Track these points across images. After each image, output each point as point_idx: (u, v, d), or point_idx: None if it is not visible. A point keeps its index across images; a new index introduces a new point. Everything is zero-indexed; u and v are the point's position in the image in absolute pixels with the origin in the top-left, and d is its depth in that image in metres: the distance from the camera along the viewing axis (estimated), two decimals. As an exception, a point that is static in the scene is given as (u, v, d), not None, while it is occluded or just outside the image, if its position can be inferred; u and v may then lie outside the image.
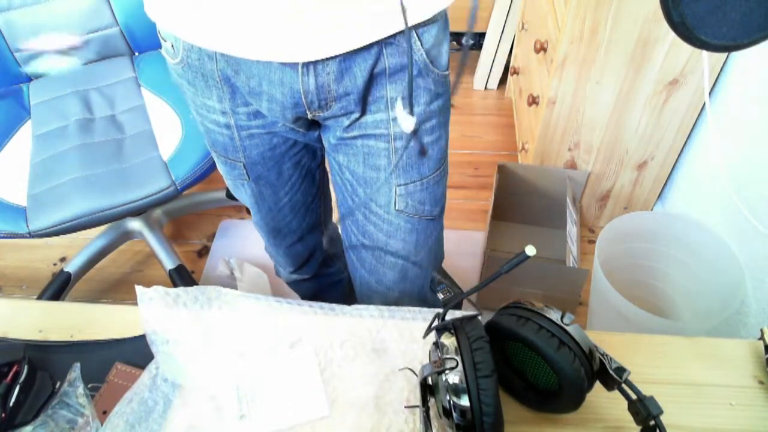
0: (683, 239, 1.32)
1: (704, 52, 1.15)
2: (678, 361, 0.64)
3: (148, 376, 0.61)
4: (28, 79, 1.45)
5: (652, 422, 0.52)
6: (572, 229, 1.49)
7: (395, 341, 0.65)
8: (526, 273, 1.36)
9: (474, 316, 0.55)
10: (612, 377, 0.53)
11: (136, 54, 1.49)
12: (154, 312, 0.65)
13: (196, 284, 1.12)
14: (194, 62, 0.67)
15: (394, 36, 0.61)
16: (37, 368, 0.62)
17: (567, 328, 0.53)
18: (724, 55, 1.28)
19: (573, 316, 0.54)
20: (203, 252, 1.72)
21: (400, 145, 0.70)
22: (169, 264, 1.51)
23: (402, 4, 0.53)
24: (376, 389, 0.61)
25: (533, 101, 1.51)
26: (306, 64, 0.62)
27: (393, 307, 0.68)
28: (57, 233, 1.16)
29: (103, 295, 1.63)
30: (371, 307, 0.68)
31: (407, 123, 0.64)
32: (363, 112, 0.68)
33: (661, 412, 0.51)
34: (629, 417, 0.54)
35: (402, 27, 0.60)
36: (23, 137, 1.32)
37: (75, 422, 0.58)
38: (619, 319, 1.18)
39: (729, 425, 0.58)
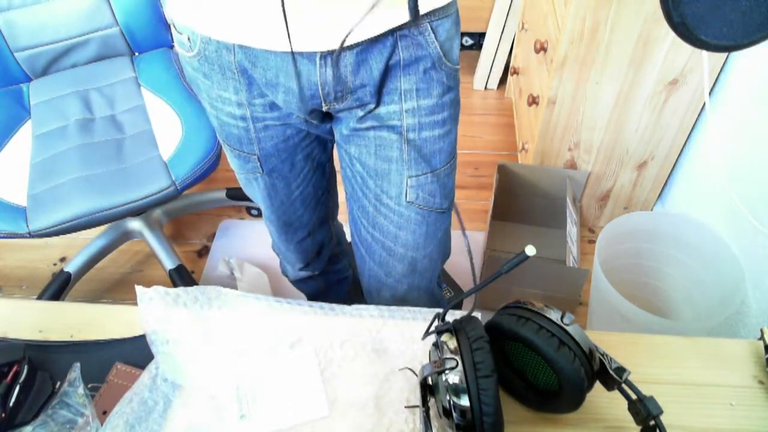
0: (683, 239, 1.32)
1: (704, 52, 1.15)
2: (678, 361, 0.64)
3: (148, 376, 0.61)
4: (28, 79, 1.45)
5: (652, 422, 0.52)
6: (572, 229, 1.48)
7: (395, 341, 0.65)
8: (526, 273, 1.36)
9: (474, 317, 0.55)
10: (612, 377, 0.53)
11: (136, 54, 1.49)
12: (154, 312, 0.65)
13: (196, 284, 1.12)
14: (211, 54, 0.67)
15: (409, 27, 0.62)
16: (37, 368, 0.62)
17: (567, 328, 0.53)
18: (724, 55, 1.28)
19: (573, 316, 0.54)
20: (203, 252, 1.72)
21: (412, 136, 0.71)
22: (169, 264, 1.51)
23: None
24: (376, 389, 0.61)
25: (533, 101, 1.51)
26: (324, 56, 0.62)
27: (393, 307, 0.68)
28: (57, 233, 1.16)
29: (103, 295, 1.63)
30: (371, 307, 0.69)
31: None
32: (377, 104, 0.69)
33: (661, 412, 0.51)
34: (629, 417, 0.54)
35: (421, 12, 0.61)
36: (23, 137, 1.32)
37: (75, 422, 0.58)
38: (619, 319, 1.18)
39: (729, 425, 0.58)
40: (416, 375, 0.62)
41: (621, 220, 1.30)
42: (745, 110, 1.24)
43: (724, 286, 1.22)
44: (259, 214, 1.80)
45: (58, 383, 0.61)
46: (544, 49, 1.44)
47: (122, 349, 0.65)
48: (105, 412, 0.59)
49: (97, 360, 0.64)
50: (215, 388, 0.61)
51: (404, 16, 0.61)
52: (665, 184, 1.59)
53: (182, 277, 1.49)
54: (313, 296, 1.19)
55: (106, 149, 1.26)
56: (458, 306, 0.61)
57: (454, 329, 0.54)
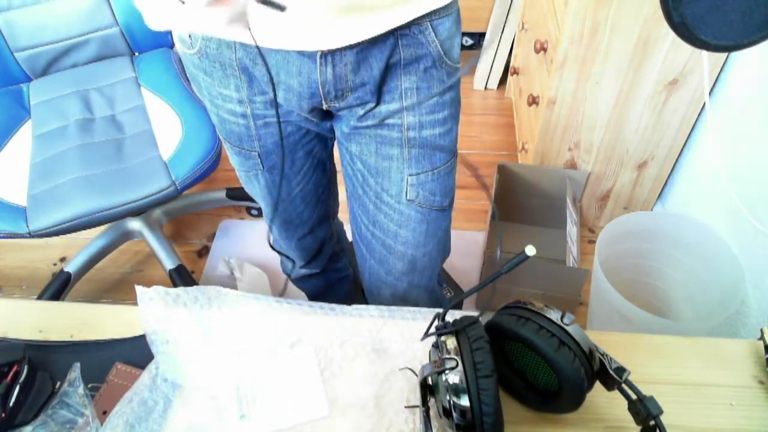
0: (683, 239, 1.32)
1: (704, 52, 1.15)
2: (678, 361, 0.64)
3: (148, 376, 0.61)
4: (28, 79, 1.45)
5: (652, 422, 0.52)
6: (572, 229, 1.48)
7: (395, 341, 0.65)
8: (526, 273, 1.36)
9: (474, 317, 0.55)
10: (612, 377, 0.53)
11: (136, 54, 1.49)
12: (154, 312, 0.65)
13: (196, 284, 1.12)
14: (212, 52, 0.68)
15: (409, 27, 0.62)
16: (37, 368, 0.62)
17: (567, 328, 0.53)
18: (724, 55, 1.28)
19: (573, 316, 0.54)
20: (203, 252, 1.72)
21: (412, 135, 0.71)
22: (169, 264, 1.51)
23: None
24: (376, 389, 0.61)
25: (533, 101, 1.51)
26: (324, 55, 0.63)
27: (393, 307, 0.68)
28: (57, 233, 1.16)
29: (103, 295, 1.63)
30: (371, 307, 0.69)
31: None
32: (378, 102, 0.69)
33: (661, 412, 0.51)
34: (629, 417, 0.54)
35: (416, 15, 0.61)
36: (23, 137, 1.32)
37: (75, 422, 0.58)
38: (619, 319, 1.18)
39: (729, 425, 0.58)
40: (416, 375, 0.62)
41: (621, 220, 1.30)
42: (745, 110, 1.24)
43: (724, 286, 1.22)
44: (259, 214, 1.80)
45: (58, 383, 0.61)
46: (544, 49, 1.44)
47: (122, 349, 0.65)
48: (105, 412, 0.59)
49: (97, 360, 0.64)
50: (215, 388, 0.61)
51: (404, 17, 0.61)
52: (665, 184, 1.59)
53: (182, 277, 1.49)
54: (314, 295, 1.19)
55: (106, 149, 1.26)
56: (458, 306, 0.61)
57: (454, 329, 0.54)
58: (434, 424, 0.55)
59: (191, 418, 0.59)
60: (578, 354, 0.52)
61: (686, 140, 1.46)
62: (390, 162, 0.74)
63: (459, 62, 0.71)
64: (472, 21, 2.11)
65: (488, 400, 0.49)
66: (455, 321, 0.55)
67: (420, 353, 0.64)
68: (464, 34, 2.26)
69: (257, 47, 0.64)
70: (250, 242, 1.71)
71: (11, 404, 0.57)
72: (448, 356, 0.51)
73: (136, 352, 0.64)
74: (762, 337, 0.64)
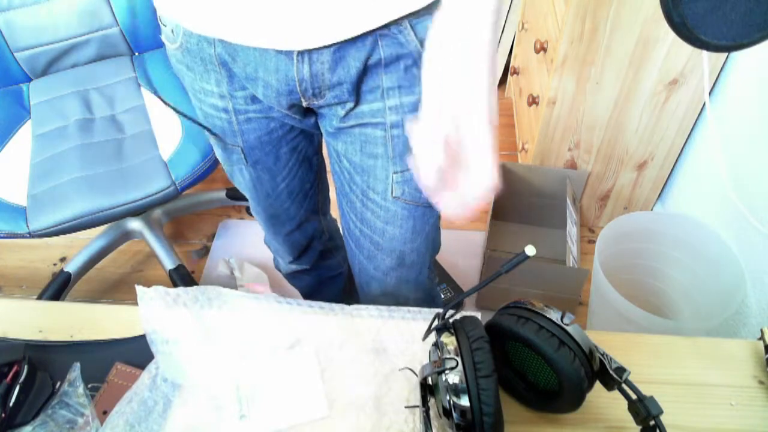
0: (683, 239, 1.32)
1: (704, 52, 1.15)
2: (678, 361, 0.64)
3: (148, 376, 0.61)
4: (28, 79, 1.45)
5: (652, 422, 0.52)
6: (572, 229, 1.48)
7: (395, 341, 0.65)
8: (526, 273, 1.36)
9: (474, 317, 0.55)
10: (612, 377, 0.53)
11: (136, 54, 1.49)
12: (154, 312, 0.65)
13: (196, 284, 1.12)
14: (193, 47, 0.68)
15: (388, 27, 0.62)
16: (37, 368, 0.62)
17: (567, 328, 0.53)
18: (724, 55, 1.28)
19: (573, 316, 0.54)
20: (203, 252, 1.72)
21: (396, 133, 0.71)
22: (169, 264, 1.51)
23: None
24: (376, 389, 0.61)
25: (533, 101, 1.51)
26: (301, 53, 0.63)
27: (393, 307, 0.68)
28: (57, 233, 1.16)
29: (103, 295, 1.63)
30: (371, 307, 0.69)
31: None
32: (358, 102, 0.69)
33: (661, 412, 0.51)
34: (629, 417, 0.54)
35: (397, 16, 0.61)
36: (23, 137, 1.32)
37: (75, 422, 0.58)
38: (619, 319, 1.18)
39: (729, 425, 0.58)
40: (416, 375, 0.62)
41: (621, 220, 1.30)
42: (745, 110, 1.24)
43: (724, 286, 1.22)
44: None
45: (58, 383, 0.61)
46: (544, 49, 1.44)
47: (122, 349, 0.65)
48: (105, 412, 0.59)
49: (97, 360, 0.64)
50: (215, 388, 0.61)
51: (381, 18, 0.61)
52: (665, 184, 1.59)
53: (182, 277, 1.49)
54: (306, 293, 1.20)
55: (106, 149, 1.26)
56: (458, 306, 0.61)
57: (454, 329, 0.54)
58: (434, 424, 0.55)
59: (191, 418, 0.59)
60: (578, 354, 0.52)
61: (686, 140, 1.46)
62: (375, 160, 0.74)
63: None
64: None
65: (488, 400, 0.49)
66: (455, 321, 0.55)
67: (420, 353, 0.64)
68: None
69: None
70: (250, 242, 1.71)
71: (11, 404, 0.57)
72: (448, 356, 0.51)
73: (136, 352, 0.64)
74: (762, 337, 0.64)
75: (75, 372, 0.61)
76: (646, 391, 0.54)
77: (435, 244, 0.90)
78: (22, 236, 1.15)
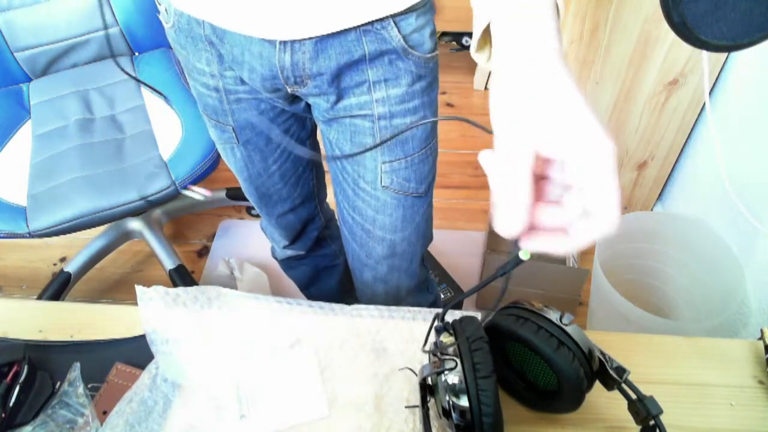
0: (683, 239, 1.32)
1: (704, 52, 1.15)
2: (678, 361, 0.64)
3: (148, 376, 0.61)
4: (28, 79, 1.45)
5: (652, 422, 0.52)
6: (572, 229, 1.48)
7: (395, 341, 0.65)
8: (526, 273, 1.36)
9: (473, 317, 0.55)
10: (612, 377, 0.53)
11: (136, 54, 1.49)
12: (154, 312, 0.65)
13: (196, 284, 1.12)
14: (184, 26, 0.71)
15: (371, 23, 0.63)
16: (37, 368, 0.62)
17: (566, 328, 0.53)
18: (724, 55, 1.28)
19: (572, 316, 0.54)
20: (203, 252, 1.72)
21: (383, 124, 0.73)
22: (169, 264, 1.51)
23: None
24: (376, 389, 0.61)
25: (533, 101, 1.51)
26: (283, 42, 0.65)
27: (393, 307, 0.68)
28: (57, 233, 1.16)
29: (103, 295, 1.63)
30: (371, 307, 0.69)
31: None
32: (341, 97, 0.70)
33: (661, 411, 0.51)
34: (629, 417, 0.54)
35: (378, 16, 0.62)
36: (23, 137, 1.32)
37: (75, 422, 0.58)
38: (619, 319, 1.18)
39: (729, 425, 0.58)
40: (416, 375, 0.62)
41: (621, 220, 1.30)
42: (745, 110, 1.24)
43: (724, 286, 1.22)
44: (259, 215, 1.80)
45: (58, 383, 0.61)
46: (544, 49, 1.44)
47: (122, 349, 0.65)
48: (105, 412, 0.59)
49: (97, 360, 0.64)
50: (215, 388, 0.61)
51: (364, 16, 0.62)
52: (665, 184, 1.59)
53: (182, 277, 1.49)
54: (303, 283, 1.20)
55: (106, 149, 1.26)
56: (458, 306, 0.61)
57: (454, 329, 0.54)
58: (434, 424, 0.55)
59: (191, 418, 0.59)
60: (577, 354, 0.52)
61: (686, 140, 1.46)
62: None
63: (434, 51, 0.71)
64: (472, 21, 2.11)
65: (487, 401, 0.49)
66: (455, 321, 0.55)
67: (420, 353, 0.64)
68: (464, 34, 2.26)
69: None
70: (250, 242, 1.71)
71: (11, 404, 0.57)
72: (447, 357, 0.51)
73: (136, 352, 0.64)
74: (762, 337, 0.64)
75: (75, 372, 0.61)
76: (646, 391, 0.54)
77: (426, 234, 0.92)
78: (22, 236, 1.15)
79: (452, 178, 1.90)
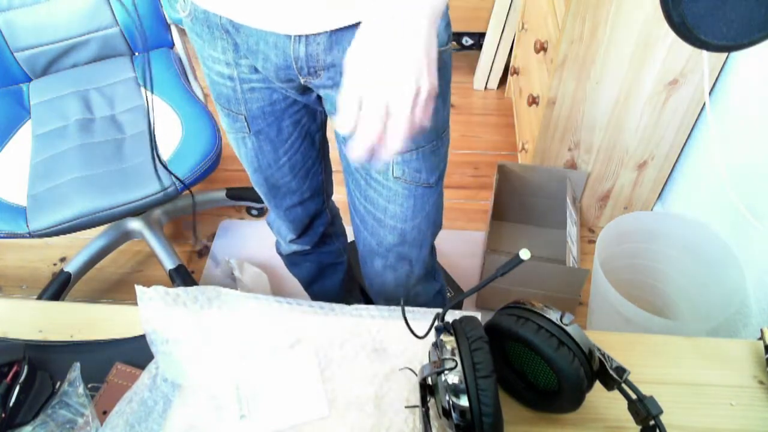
0: (683, 239, 1.32)
1: (704, 52, 1.15)
2: (678, 361, 0.64)
3: (148, 376, 0.61)
4: (28, 79, 1.45)
5: (652, 422, 0.52)
6: (572, 229, 1.48)
7: (395, 341, 0.65)
8: (526, 273, 1.36)
9: (473, 317, 0.55)
10: (612, 377, 0.53)
11: (136, 54, 1.49)
12: (154, 312, 0.65)
13: (196, 284, 1.12)
14: (200, 15, 0.72)
15: None
16: (37, 368, 0.62)
17: (566, 328, 0.53)
18: (724, 55, 1.28)
19: (572, 316, 0.54)
20: (203, 252, 1.72)
21: None
22: (169, 264, 1.51)
23: None
24: (376, 389, 0.61)
25: (533, 101, 1.51)
26: (298, 35, 0.66)
27: (393, 307, 0.68)
28: (57, 233, 1.16)
29: (103, 295, 1.63)
30: (371, 307, 0.69)
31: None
32: None
33: (661, 411, 0.51)
34: (629, 417, 0.54)
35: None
36: (23, 137, 1.32)
37: (75, 422, 0.58)
38: (619, 319, 1.18)
39: (729, 425, 0.58)
40: (416, 375, 0.62)
41: (621, 220, 1.30)
42: (745, 110, 1.24)
43: (724, 286, 1.22)
44: (259, 214, 1.80)
45: (58, 383, 0.61)
46: (544, 49, 1.44)
47: (122, 349, 0.65)
48: (105, 412, 0.59)
49: (97, 360, 0.64)
50: (215, 388, 0.61)
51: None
52: (665, 184, 1.59)
53: (182, 277, 1.49)
54: (307, 282, 1.21)
55: (106, 149, 1.26)
56: (458, 306, 0.61)
57: (454, 329, 0.54)
58: (434, 424, 0.55)
59: (191, 418, 0.59)
60: (577, 354, 0.52)
61: (686, 140, 1.46)
62: None
63: (447, 44, 0.72)
64: (472, 21, 2.11)
65: (487, 401, 0.49)
66: (455, 321, 0.55)
67: (420, 353, 0.64)
68: (464, 34, 2.26)
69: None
70: (250, 242, 1.71)
71: (11, 404, 0.57)
72: (447, 356, 0.51)
73: (136, 352, 0.64)
74: (762, 337, 0.64)
75: (75, 372, 0.61)
76: (646, 391, 0.54)
77: (436, 222, 0.93)
78: (22, 236, 1.15)
79: (452, 178, 1.90)
